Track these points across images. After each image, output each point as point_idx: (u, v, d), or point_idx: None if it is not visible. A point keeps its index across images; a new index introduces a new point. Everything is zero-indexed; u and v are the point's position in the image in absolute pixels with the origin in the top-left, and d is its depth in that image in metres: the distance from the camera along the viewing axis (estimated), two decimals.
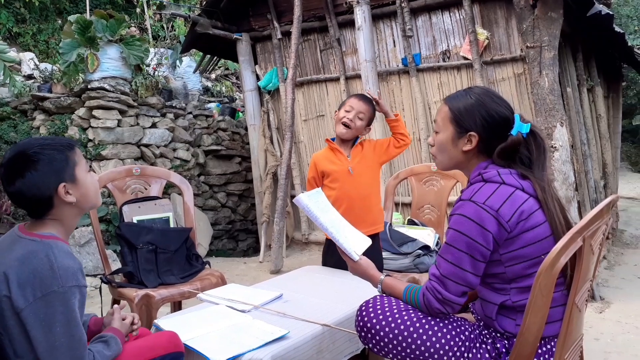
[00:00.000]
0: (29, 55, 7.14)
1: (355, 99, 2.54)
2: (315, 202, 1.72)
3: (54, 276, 1.30)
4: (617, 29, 4.70)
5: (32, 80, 5.96)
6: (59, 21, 8.63)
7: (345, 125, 2.49)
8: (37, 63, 6.34)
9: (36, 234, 1.39)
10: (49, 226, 1.43)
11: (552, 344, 1.43)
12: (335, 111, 2.62)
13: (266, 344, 1.57)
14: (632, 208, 7.86)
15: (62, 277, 1.31)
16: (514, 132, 1.48)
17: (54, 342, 1.29)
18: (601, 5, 3.97)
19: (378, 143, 2.63)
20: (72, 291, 1.32)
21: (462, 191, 1.53)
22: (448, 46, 4.58)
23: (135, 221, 2.63)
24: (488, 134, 1.50)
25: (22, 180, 1.38)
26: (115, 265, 3.95)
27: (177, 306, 2.69)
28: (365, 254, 1.71)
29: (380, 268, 1.71)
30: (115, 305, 1.66)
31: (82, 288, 1.36)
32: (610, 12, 4.14)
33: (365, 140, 2.65)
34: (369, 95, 2.61)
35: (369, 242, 1.84)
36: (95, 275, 4.24)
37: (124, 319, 1.60)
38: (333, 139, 2.61)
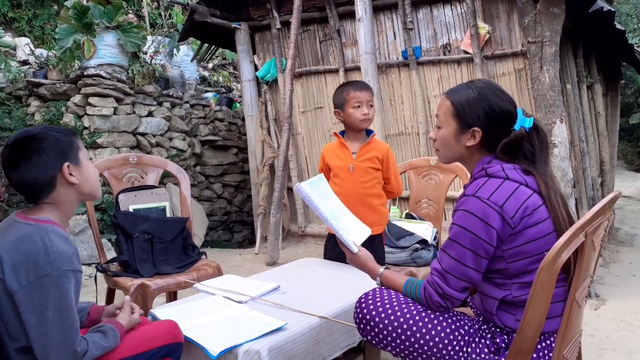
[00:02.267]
0: (24, 40, 7.05)
1: (358, 91, 2.45)
2: (316, 190, 1.70)
3: (49, 259, 1.29)
4: (618, 26, 4.69)
5: (27, 66, 5.88)
6: (55, 7, 8.52)
7: (366, 120, 2.44)
8: (33, 48, 6.26)
9: (32, 218, 1.38)
10: (46, 211, 1.42)
11: (552, 339, 1.43)
12: (336, 110, 2.51)
13: (263, 335, 1.56)
14: (627, 206, 7.89)
15: (57, 260, 1.30)
16: (517, 126, 1.47)
17: (45, 326, 1.28)
18: (603, 2, 3.95)
19: (388, 164, 2.51)
20: (66, 275, 1.31)
21: (464, 186, 1.52)
22: (449, 40, 4.55)
23: (131, 210, 2.60)
24: (491, 128, 1.48)
25: (27, 161, 1.38)
26: (110, 254, 3.93)
27: (172, 296, 2.67)
28: (368, 250, 1.69)
29: (381, 264, 1.69)
30: (126, 297, 1.65)
31: (77, 273, 1.35)
32: (612, 9, 4.12)
33: (381, 142, 2.57)
34: None
35: (369, 231, 1.83)
36: (90, 264, 4.22)
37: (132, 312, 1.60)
38: (342, 133, 2.56)
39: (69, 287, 1.32)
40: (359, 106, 2.43)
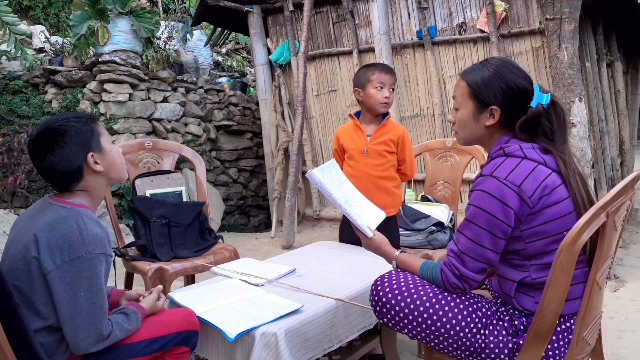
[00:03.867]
0: (39, 28, 7.10)
1: (382, 73, 2.40)
2: (328, 176, 1.69)
3: (83, 242, 1.34)
4: (639, 1, 4.55)
5: (43, 54, 5.93)
6: None
7: (385, 104, 2.41)
8: (48, 36, 6.30)
9: (67, 202, 1.44)
10: (79, 196, 1.47)
11: (572, 321, 1.41)
12: (356, 89, 2.46)
13: (280, 317, 1.57)
14: None
15: (90, 243, 1.35)
16: (533, 103, 1.43)
17: (76, 307, 1.33)
18: None
19: (404, 146, 2.47)
20: (98, 258, 1.36)
21: (481, 166, 1.50)
22: (464, 19, 4.47)
23: (148, 195, 2.63)
24: (508, 106, 1.45)
25: (52, 155, 1.42)
26: (128, 239, 3.99)
27: (190, 280, 2.70)
28: (383, 233, 1.69)
29: (396, 247, 1.69)
30: (159, 286, 1.69)
31: (108, 257, 1.41)
32: None
33: (397, 125, 2.52)
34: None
35: (383, 215, 1.82)
36: None
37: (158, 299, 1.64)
38: (357, 114, 2.53)
39: (100, 270, 1.37)
40: (381, 88, 2.39)
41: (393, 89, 2.44)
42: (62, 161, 1.42)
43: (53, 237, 1.34)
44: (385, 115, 2.49)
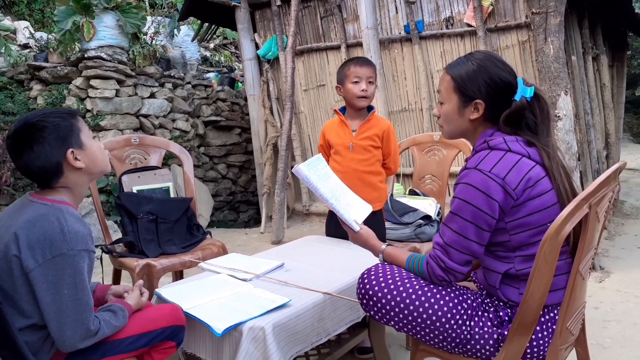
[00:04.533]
0: (24, 24, 7.00)
1: (357, 66, 2.41)
2: (314, 171, 1.69)
3: (64, 239, 1.32)
4: None
5: (28, 50, 5.85)
6: None
7: (363, 97, 2.41)
8: (33, 32, 6.22)
9: (48, 199, 1.41)
10: (60, 193, 1.45)
11: (555, 312, 1.43)
12: (337, 85, 2.49)
13: (267, 312, 1.57)
14: (633, 179, 7.85)
15: (72, 240, 1.33)
16: (517, 97, 1.44)
17: (60, 304, 1.31)
18: None
19: (389, 141, 2.48)
20: (81, 255, 1.35)
21: (466, 159, 1.51)
22: (451, 13, 4.48)
23: (135, 191, 2.61)
24: (493, 100, 1.46)
25: (30, 151, 1.40)
26: (116, 235, 3.96)
27: (178, 275, 2.69)
28: (369, 227, 1.69)
29: (382, 241, 1.70)
30: (140, 281, 1.68)
31: (91, 253, 1.39)
32: None
33: (382, 119, 2.53)
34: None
35: (369, 209, 1.83)
36: (96, 246, 4.25)
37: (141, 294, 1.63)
38: (341, 110, 2.53)
39: (83, 267, 1.36)
40: (357, 81, 2.39)
41: (371, 82, 2.42)
42: (40, 157, 1.40)
43: (33, 235, 1.32)
44: (370, 109, 2.49)
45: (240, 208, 6.51)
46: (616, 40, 6.26)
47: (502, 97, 1.45)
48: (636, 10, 5.35)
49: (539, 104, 1.46)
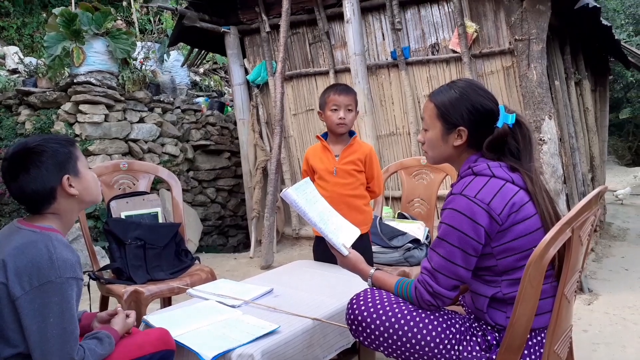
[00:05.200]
0: (13, 49, 7.02)
1: (336, 94, 2.45)
2: (303, 194, 1.71)
3: (52, 266, 1.31)
4: (604, 22, 4.73)
5: (17, 75, 5.86)
6: (44, 14, 8.49)
7: (341, 124, 2.44)
8: (22, 57, 6.24)
9: (36, 226, 1.41)
10: (49, 220, 1.44)
11: (542, 335, 1.44)
12: (319, 111, 2.54)
13: (256, 338, 1.56)
14: (619, 201, 7.95)
15: (60, 268, 1.32)
16: (499, 123, 1.48)
17: (45, 333, 1.29)
18: None
19: (372, 165, 2.51)
20: (69, 283, 1.33)
21: (452, 185, 1.53)
22: (437, 39, 4.58)
23: (123, 217, 2.60)
24: (475, 127, 1.50)
25: (26, 174, 1.40)
26: (104, 261, 3.92)
27: (166, 302, 2.67)
28: (356, 250, 1.71)
29: (369, 264, 1.71)
30: (119, 307, 1.66)
31: (79, 281, 1.38)
32: (598, 5, 4.16)
33: (364, 144, 2.57)
34: None
35: (357, 232, 1.84)
36: (83, 272, 4.20)
37: (128, 317, 1.61)
38: (324, 135, 2.57)
39: (71, 295, 1.34)
40: (336, 109, 2.44)
41: (350, 110, 2.46)
42: (35, 181, 1.40)
43: (21, 262, 1.31)
44: (352, 134, 2.53)
45: (229, 232, 6.47)
46: (598, 65, 6.41)
47: (484, 124, 1.49)
48: (616, 37, 5.49)
49: (521, 130, 1.50)
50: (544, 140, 3.73)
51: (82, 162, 1.50)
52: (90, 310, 2.22)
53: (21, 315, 1.30)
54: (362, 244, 2.25)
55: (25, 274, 1.30)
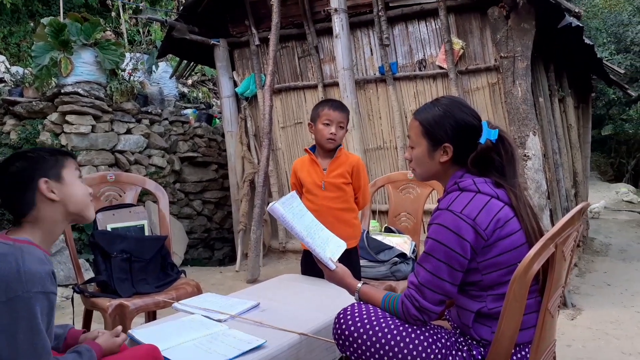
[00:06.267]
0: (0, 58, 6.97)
1: (330, 110, 2.47)
2: (290, 209, 1.71)
3: (19, 280, 1.26)
4: (587, 41, 4.83)
5: (3, 84, 5.81)
6: (32, 24, 8.45)
7: (331, 140, 2.46)
8: (8, 66, 6.19)
9: (11, 238, 1.37)
10: (26, 231, 1.41)
11: (527, 350, 1.46)
12: (309, 123, 2.55)
13: (243, 353, 1.55)
14: (601, 216, 8.06)
15: (28, 281, 1.27)
16: (482, 139, 1.51)
17: (16, 348, 1.25)
18: (572, 18, 4.08)
19: (359, 175, 2.52)
20: (36, 297, 1.28)
21: (438, 200, 1.55)
22: (424, 55, 4.65)
23: (109, 229, 2.58)
24: (460, 143, 1.52)
25: (6, 178, 1.41)
26: (88, 274, 3.88)
27: (151, 316, 2.64)
28: (344, 265, 1.71)
29: (358, 279, 1.72)
30: (118, 327, 1.63)
31: (50, 295, 1.32)
32: (581, 25, 4.26)
33: (350, 155, 2.58)
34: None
35: (344, 246, 1.85)
36: (67, 285, 4.14)
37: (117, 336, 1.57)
38: (312, 148, 2.58)
39: (38, 310, 1.29)
40: (328, 124, 2.45)
41: (342, 127, 2.48)
42: (13, 184, 1.40)
43: None
44: (337, 146, 2.54)
45: (215, 245, 6.43)
46: (581, 83, 6.54)
47: (468, 140, 1.51)
48: (598, 55, 5.61)
49: (504, 146, 1.52)
50: (528, 156, 3.79)
51: (70, 171, 1.48)
52: (74, 324, 2.19)
53: None
54: (350, 259, 2.26)
55: None
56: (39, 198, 1.41)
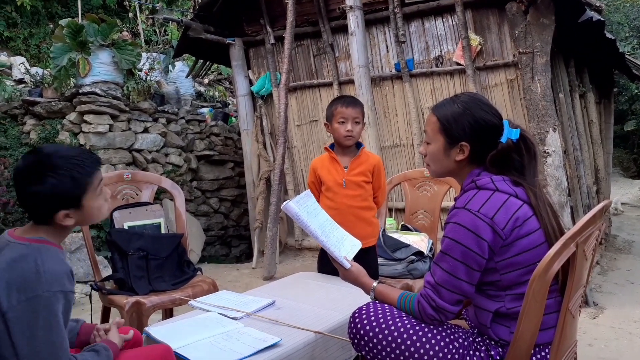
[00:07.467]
0: (19, 59, 7.09)
1: (343, 107, 2.44)
2: (304, 207, 1.70)
3: (40, 280, 1.29)
4: (608, 35, 4.73)
5: (23, 85, 5.92)
6: (51, 25, 8.58)
7: (349, 137, 2.44)
8: (28, 67, 6.30)
9: (26, 238, 1.39)
10: (41, 231, 1.42)
11: (547, 351, 1.42)
12: (325, 123, 2.54)
13: (258, 351, 1.55)
14: (624, 213, 7.91)
15: (48, 281, 1.30)
16: (503, 139, 1.47)
17: (35, 347, 1.28)
18: (592, 12, 3.99)
19: (379, 175, 2.52)
20: (56, 296, 1.31)
21: (455, 198, 1.52)
22: (441, 52, 4.59)
23: (126, 227, 2.60)
24: (478, 142, 1.49)
25: (30, 183, 1.36)
26: (106, 271, 3.91)
27: (168, 313, 2.66)
28: (362, 264, 1.70)
29: (375, 278, 1.70)
30: (118, 319, 1.63)
31: (69, 294, 1.35)
32: (602, 19, 4.17)
33: (371, 155, 2.56)
34: None
35: (359, 245, 1.83)
36: (85, 282, 4.19)
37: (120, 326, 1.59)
38: (332, 146, 2.55)
39: (58, 308, 1.32)
40: (343, 122, 2.43)
41: (357, 122, 2.45)
42: (35, 202, 1.38)
43: (11, 277, 1.30)
44: (359, 146, 2.52)
45: (232, 242, 6.47)
46: (602, 78, 6.41)
47: (487, 139, 1.48)
48: (620, 50, 5.49)
49: (525, 145, 1.49)
50: (548, 152, 3.72)
51: (90, 194, 1.44)
52: (92, 320, 2.22)
53: (10, 329, 1.28)
54: (368, 257, 2.24)
55: (14, 288, 1.29)
56: (57, 218, 1.41)
